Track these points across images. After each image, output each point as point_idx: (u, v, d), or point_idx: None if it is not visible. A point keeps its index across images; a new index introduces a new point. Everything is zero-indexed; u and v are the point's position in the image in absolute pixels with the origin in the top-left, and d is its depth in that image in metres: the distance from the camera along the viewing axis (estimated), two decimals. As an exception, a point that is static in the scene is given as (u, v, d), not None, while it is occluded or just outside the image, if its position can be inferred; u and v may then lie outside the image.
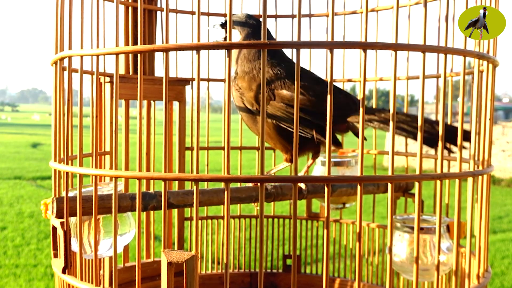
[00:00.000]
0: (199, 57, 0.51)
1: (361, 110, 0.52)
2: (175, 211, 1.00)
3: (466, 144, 0.63)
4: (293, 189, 0.51)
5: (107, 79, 0.86)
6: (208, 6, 1.02)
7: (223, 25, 0.82)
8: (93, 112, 0.79)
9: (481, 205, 0.65)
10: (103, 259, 0.84)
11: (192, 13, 1.00)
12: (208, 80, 1.01)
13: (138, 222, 0.62)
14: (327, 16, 0.99)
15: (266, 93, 0.72)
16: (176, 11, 0.99)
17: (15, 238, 3.52)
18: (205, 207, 1.01)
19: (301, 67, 0.80)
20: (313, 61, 1.01)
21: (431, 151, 0.95)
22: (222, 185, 0.76)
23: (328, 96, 0.50)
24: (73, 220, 0.66)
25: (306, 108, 0.72)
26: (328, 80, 0.50)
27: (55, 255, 0.64)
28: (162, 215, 0.54)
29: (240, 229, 1.06)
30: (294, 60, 0.92)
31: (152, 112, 0.96)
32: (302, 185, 0.79)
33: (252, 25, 0.79)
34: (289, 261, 1.08)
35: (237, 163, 1.04)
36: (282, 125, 0.74)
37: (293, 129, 0.71)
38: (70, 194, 0.62)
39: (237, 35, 0.79)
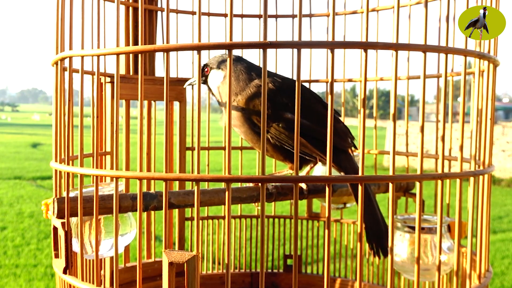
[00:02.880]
0: (200, 57, 0.51)
1: (361, 110, 0.52)
2: (175, 211, 1.00)
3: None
4: (294, 189, 0.51)
5: (108, 79, 0.86)
6: (208, 6, 1.02)
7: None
8: (94, 112, 0.79)
9: (482, 205, 0.65)
10: (104, 259, 0.84)
11: (193, 13, 1.00)
12: (209, 80, 1.01)
13: (139, 222, 0.62)
14: (328, 16, 0.99)
15: (269, 111, 0.72)
16: (177, 11, 0.99)
17: (15, 238, 3.52)
18: (206, 207, 1.01)
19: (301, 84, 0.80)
20: (313, 61, 1.02)
21: (432, 151, 0.95)
22: (223, 185, 0.76)
23: (329, 97, 0.50)
24: (74, 220, 0.66)
25: (311, 133, 0.72)
26: (329, 80, 0.50)
27: (56, 256, 0.64)
28: (163, 215, 0.54)
29: (240, 229, 1.06)
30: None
31: (152, 112, 0.96)
32: (303, 185, 0.79)
33: (235, 59, 0.78)
34: (289, 261, 1.08)
35: (238, 163, 1.05)
36: (286, 147, 0.73)
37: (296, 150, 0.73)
38: (71, 194, 0.62)
39: (220, 75, 0.78)
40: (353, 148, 0.78)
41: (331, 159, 0.51)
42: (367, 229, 0.72)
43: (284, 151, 0.75)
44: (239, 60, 0.78)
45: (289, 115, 0.72)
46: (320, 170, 0.97)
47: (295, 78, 1.00)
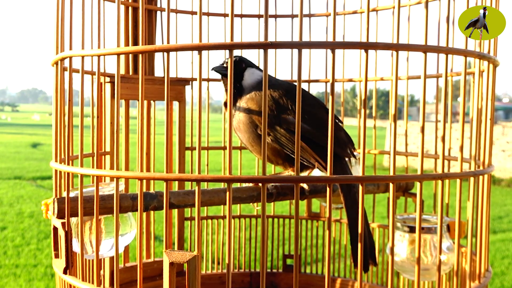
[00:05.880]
0: (201, 57, 0.51)
1: (362, 110, 0.52)
2: (175, 211, 1.00)
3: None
4: (295, 189, 0.51)
5: (107, 79, 0.85)
6: (208, 6, 1.02)
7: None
8: (94, 112, 0.79)
9: (481, 205, 0.66)
10: (104, 259, 0.84)
11: (193, 13, 1.00)
12: (208, 80, 1.01)
13: (139, 222, 0.62)
14: (327, 16, 0.99)
15: (273, 113, 0.72)
16: (176, 11, 0.99)
17: (15, 238, 3.52)
18: (205, 207, 1.01)
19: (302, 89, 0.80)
20: (313, 61, 1.02)
21: (432, 151, 0.95)
22: (222, 185, 0.76)
23: (330, 97, 0.50)
24: (74, 220, 0.66)
25: (311, 138, 0.72)
26: (330, 80, 0.50)
27: (56, 256, 0.64)
28: (164, 215, 0.54)
29: (240, 229, 1.06)
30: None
31: (152, 112, 0.96)
32: (305, 185, 0.79)
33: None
34: (289, 261, 1.08)
35: (237, 163, 1.05)
36: (286, 151, 0.73)
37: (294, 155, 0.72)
38: (71, 194, 0.62)
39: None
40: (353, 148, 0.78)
41: (332, 159, 0.51)
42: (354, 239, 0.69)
43: (283, 155, 0.74)
44: (250, 65, 0.79)
45: (291, 119, 0.72)
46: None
47: (295, 78, 1.00)
